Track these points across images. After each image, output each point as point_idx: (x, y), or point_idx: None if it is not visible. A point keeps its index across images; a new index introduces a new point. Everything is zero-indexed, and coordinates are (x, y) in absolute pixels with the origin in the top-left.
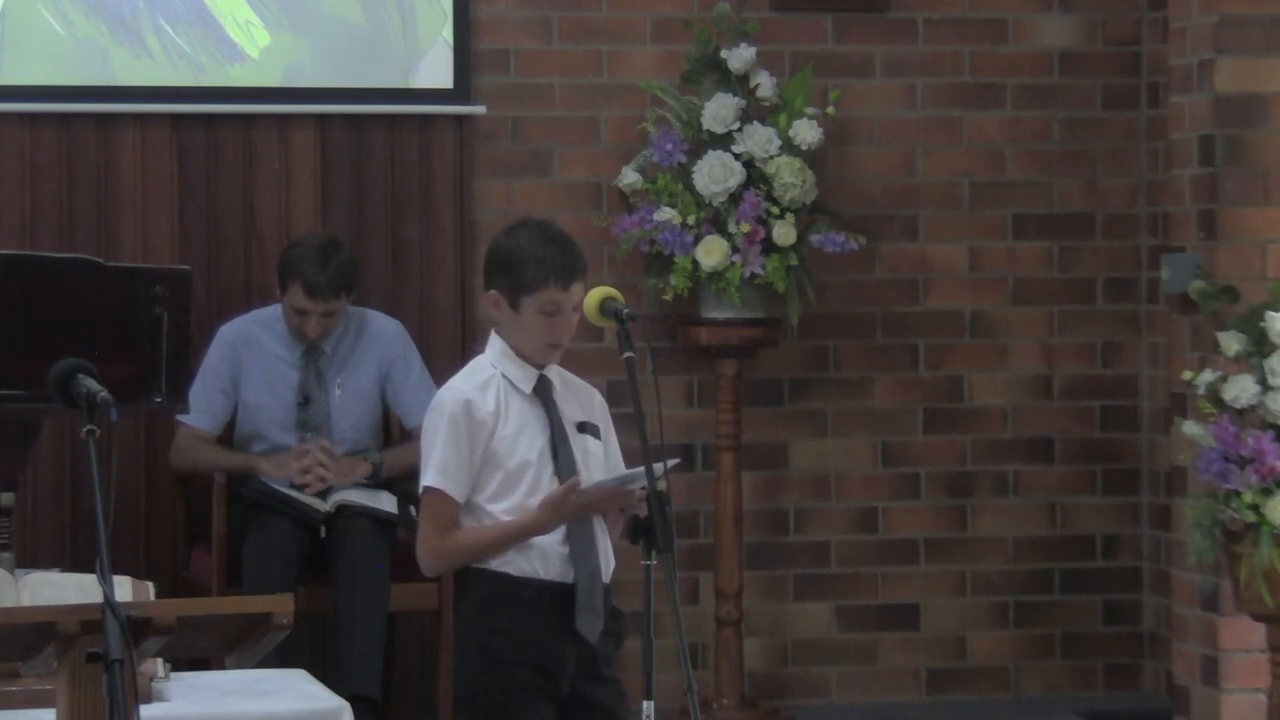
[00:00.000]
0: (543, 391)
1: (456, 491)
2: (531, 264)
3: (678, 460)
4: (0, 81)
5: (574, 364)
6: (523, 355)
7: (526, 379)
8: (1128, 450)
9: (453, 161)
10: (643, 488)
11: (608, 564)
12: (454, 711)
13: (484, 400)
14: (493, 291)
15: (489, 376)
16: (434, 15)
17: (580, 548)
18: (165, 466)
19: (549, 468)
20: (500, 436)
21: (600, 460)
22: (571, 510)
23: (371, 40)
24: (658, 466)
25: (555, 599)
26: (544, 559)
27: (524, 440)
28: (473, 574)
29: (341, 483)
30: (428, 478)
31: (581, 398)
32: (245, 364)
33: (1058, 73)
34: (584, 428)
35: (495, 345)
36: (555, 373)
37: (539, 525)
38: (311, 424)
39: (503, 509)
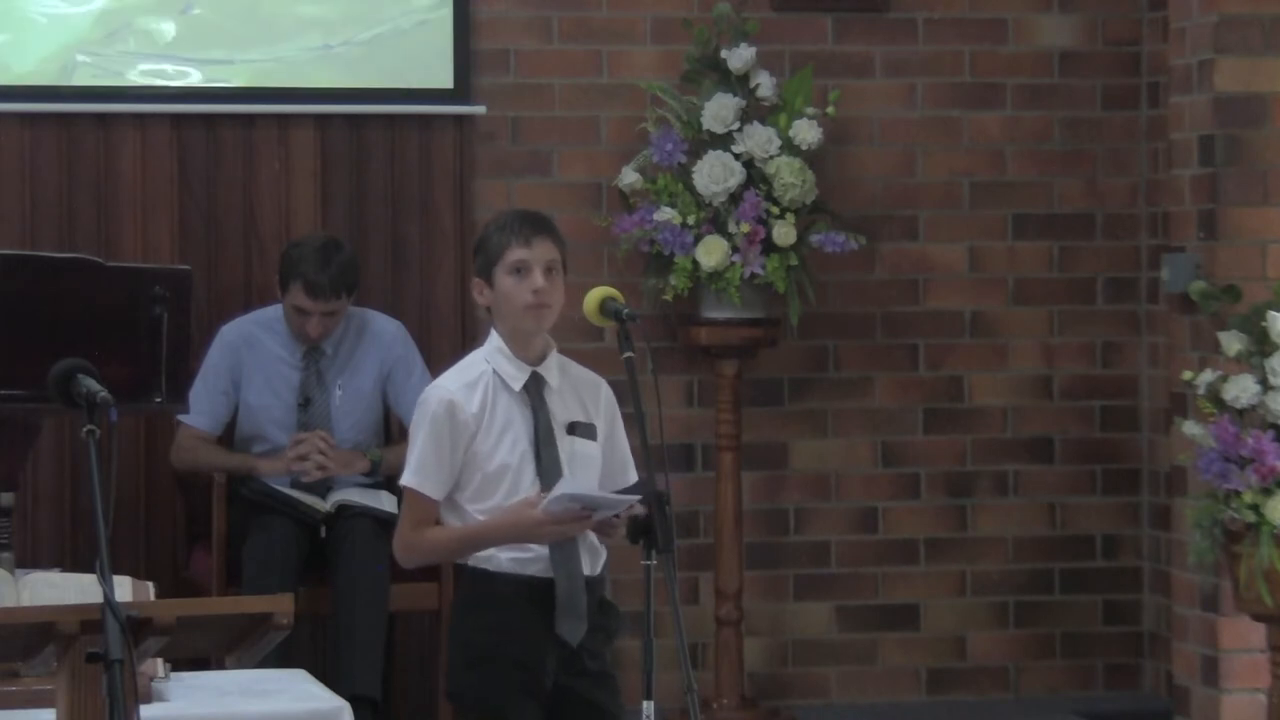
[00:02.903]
0: (533, 390)
1: (432, 490)
2: (493, 236)
3: (639, 498)
4: (0, 81)
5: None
6: (515, 343)
7: (517, 376)
8: (1128, 450)
9: (453, 161)
10: (616, 516)
11: (594, 559)
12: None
13: (469, 401)
14: (476, 279)
15: (480, 374)
16: (434, 15)
17: (561, 551)
18: (165, 466)
19: (530, 469)
20: (482, 438)
21: (591, 463)
22: (530, 527)
23: (372, 40)
24: (623, 499)
25: (535, 595)
26: (525, 559)
27: (506, 442)
28: (457, 572)
29: (341, 478)
30: (405, 476)
31: (585, 392)
32: (246, 365)
33: (1058, 73)
34: (575, 429)
35: (491, 340)
36: (557, 367)
37: (498, 532)
38: (312, 425)
39: (481, 509)
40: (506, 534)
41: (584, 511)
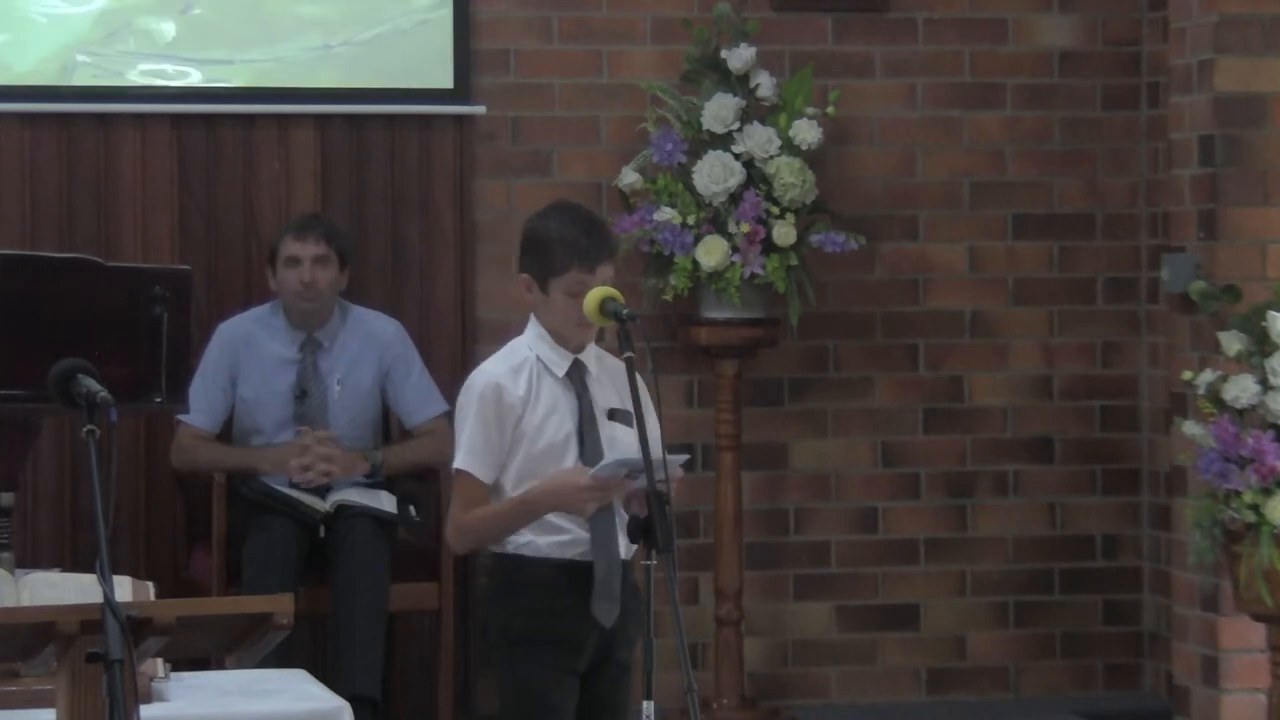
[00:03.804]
0: (575, 376)
1: (483, 473)
2: (557, 247)
3: (687, 456)
4: (0, 81)
5: None
6: (558, 337)
7: (560, 362)
8: (1128, 450)
9: (453, 161)
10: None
11: (628, 544)
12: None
13: (515, 384)
14: (524, 275)
15: (523, 359)
16: (434, 15)
17: (601, 533)
18: (165, 466)
19: (574, 451)
20: (528, 421)
21: (629, 450)
22: (574, 492)
23: (372, 40)
24: (672, 460)
25: (573, 577)
26: (563, 543)
27: (551, 425)
28: (493, 560)
29: (341, 480)
30: (457, 459)
31: (619, 382)
32: (244, 362)
33: (1058, 73)
34: (614, 415)
35: (532, 328)
36: (593, 356)
37: (543, 500)
38: (308, 418)
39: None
40: (550, 502)
41: (627, 479)
